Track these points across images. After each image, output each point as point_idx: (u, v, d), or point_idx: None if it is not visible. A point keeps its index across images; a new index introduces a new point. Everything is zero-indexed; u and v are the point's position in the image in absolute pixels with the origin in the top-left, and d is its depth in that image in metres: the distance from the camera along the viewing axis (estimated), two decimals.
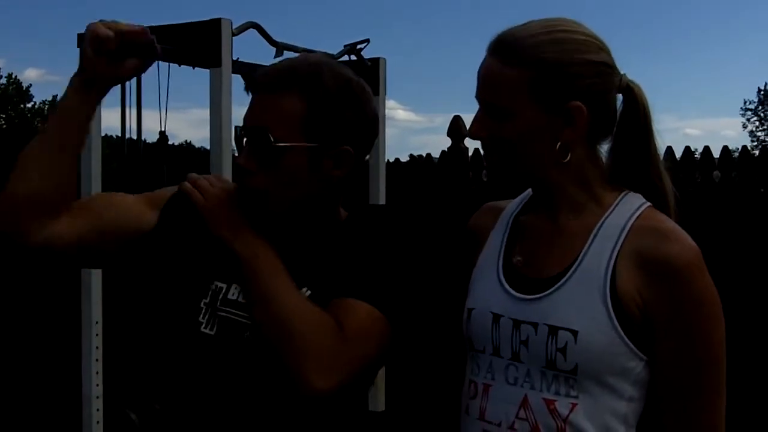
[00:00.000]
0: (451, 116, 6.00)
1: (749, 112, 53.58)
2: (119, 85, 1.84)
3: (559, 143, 1.22)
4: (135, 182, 4.35)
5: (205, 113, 3.39)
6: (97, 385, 3.63)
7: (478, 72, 1.25)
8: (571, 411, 1.18)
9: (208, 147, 3.45)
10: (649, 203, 1.26)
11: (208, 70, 3.36)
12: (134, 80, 3.93)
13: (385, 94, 4.39)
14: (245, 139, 1.30)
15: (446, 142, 5.96)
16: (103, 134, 3.98)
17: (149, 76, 6.44)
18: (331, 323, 1.23)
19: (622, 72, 1.26)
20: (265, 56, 5.50)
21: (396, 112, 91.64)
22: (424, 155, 6.43)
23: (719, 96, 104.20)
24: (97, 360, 3.63)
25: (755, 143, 48.55)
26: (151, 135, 15.45)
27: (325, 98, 1.28)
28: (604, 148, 1.30)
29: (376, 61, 4.34)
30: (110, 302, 3.85)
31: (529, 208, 1.34)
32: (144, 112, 4.31)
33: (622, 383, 1.19)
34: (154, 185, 1.48)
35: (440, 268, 1.64)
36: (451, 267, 1.47)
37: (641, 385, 1.20)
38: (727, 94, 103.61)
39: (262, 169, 1.28)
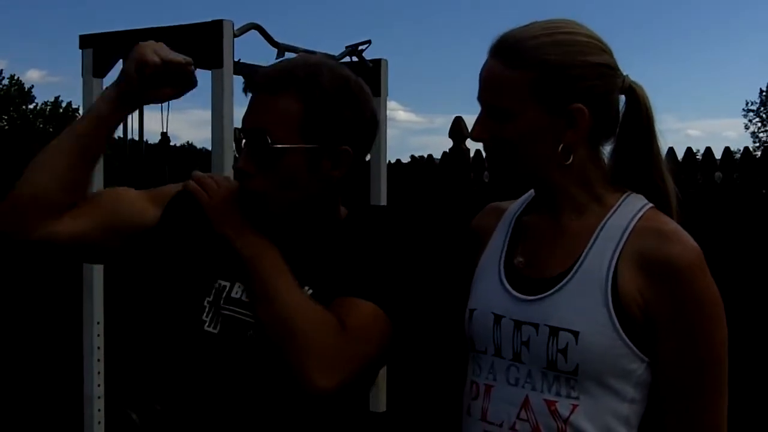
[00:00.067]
0: (452, 117, 6.03)
1: (751, 113, 53.51)
2: None
3: (561, 145, 1.22)
4: (137, 183, 4.34)
5: (207, 114, 3.38)
6: (99, 385, 3.63)
7: (480, 74, 1.25)
8: (571, 412, 1.18)
9: (210, 148, 3.45)
10: (651, 204, 1.25)
11: (209, 72, 3.35)
12: None
13: (387, 95, 4.38)
14: (244, 141, 1.31)
15: (447, 143, 5.98)
16: None
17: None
18: (333, 322, 1.23)
19: (624, 73, 1.26)
20: (267, 57, 5.49)
21: (396, 113, 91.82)
22: (426, 156, 6.43)
23: (720, 97, 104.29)
24: (98, 360, 3.64)
25: (757, 144, 48.51)
26: (152, 136, 15.45)
27: (322, 99, 1.28)
28: (607, 149, 1.30)
29: (377, 63, 4.32)
30: (112, 302, 3.86)
31: (532, 209, 1.34)
32: (146, 113, 4.32)
33: (623, 385, 1.19)
34: (156, 186, 1.49)
35: (442, 269, 1.64)
36: (453, 267, 1.47)
37: (643, 386, 1.20)
38: (728, 94, 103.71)
39: (261, 171, 1.28)
